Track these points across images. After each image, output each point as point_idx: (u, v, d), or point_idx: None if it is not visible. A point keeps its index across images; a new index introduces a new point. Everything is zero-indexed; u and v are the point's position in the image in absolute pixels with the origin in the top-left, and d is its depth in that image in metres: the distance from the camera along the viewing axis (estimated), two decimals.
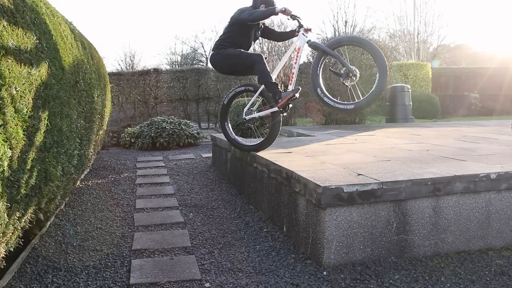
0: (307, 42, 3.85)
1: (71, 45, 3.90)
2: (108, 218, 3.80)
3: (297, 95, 3.76)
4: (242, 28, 3.97)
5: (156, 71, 13.45)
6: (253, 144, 4.14)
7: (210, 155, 6.82)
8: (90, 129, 4.61)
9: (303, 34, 3.88)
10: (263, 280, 2.50)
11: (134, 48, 49.31)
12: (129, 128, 8.98)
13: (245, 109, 4.10)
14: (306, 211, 2.87)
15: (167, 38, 46.85)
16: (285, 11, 3.77)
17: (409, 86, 9.13)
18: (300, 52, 3.88)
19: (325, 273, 2.55)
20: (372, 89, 3.65)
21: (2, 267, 2.35)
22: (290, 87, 3.83)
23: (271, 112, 3.91)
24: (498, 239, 2.93)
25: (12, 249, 2.40)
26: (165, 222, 3.64)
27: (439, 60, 25.39)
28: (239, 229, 3.45)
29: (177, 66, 28.22)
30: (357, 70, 3.67)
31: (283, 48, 9.25)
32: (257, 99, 4.05)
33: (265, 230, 3.38)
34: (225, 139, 4.35)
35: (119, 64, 28.40)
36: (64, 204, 4.11)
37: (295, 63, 3.87)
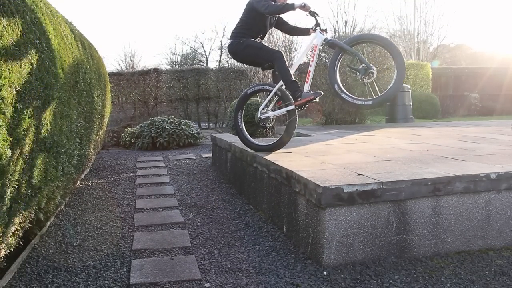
0: (324, 40, 3.83)
1: (71, 45, 3.90)
2: (108, 218, 3.80)
3: (317, 99, 3.74)
4: (259, 16, 3.93)
5: (156, 71, 13.45)
6: (268, 144, 4.08)
7: (210, 155, 6.82)
8: (90, 129, 4.61)
9: (320, 32, 3.85)
10: (263, 280, 2.50)
11: (134, 48, 49.39)
12: (129, 128, 8.99)
13: (260, 109, 4.04)
14: (306, 211, 2.87)
15: (167, 38, 46.88)
16: (304, 7, 3.73)
17: (409, 86, 9.13)
18: (317, 50, 3.86)
19: (325, 273, 2.55)
20: (390, 85, 3.68)
21: (2, 267, 2.35)
22: (306, 86, 3.80)
23: (287, 111, 3.88)
24: (498, 239, 2.93)
25: (12, 249, 2.40)
26: (165, 222, 3.64)
27: (439, 60, 25.40)
28: (239, 229, 3.45)
29: (177, 66, 28.23)
30: (374, 68, 3.66)
31: (283, 48, 9.24)
32: (272, 98, 3.99)
33: (265, 230, 3.38)
34: (240, 140, 4.26)
35: (119, 64, 28.42)
36: (64, 204, 4.11)
37: (312, 61, 3.85)
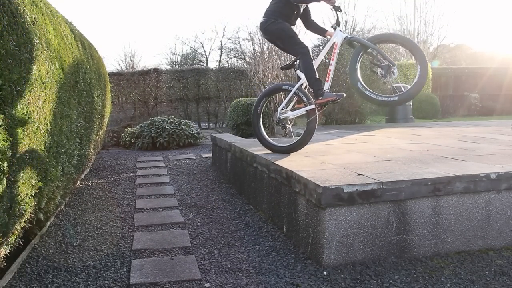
0: (345, 38, 3.81)
1: (71, 45, 3.90)
2: (108, 218, 3.80)
3: (338, 101, 3.71)
4: (289, 3, 3.86)
5: (156, 71, 13.45)
6: (286, 145, 4.01)
7: (210, 155, 6.82)
8: (90, 129, 4.62)
9: (340, 30, 3.82)
10: (263, 280, 2.50)
11: (134, 48, 49.40)
12: (129, 128, 8.99)
13: (279, 108, 3.97)
14: (306, 211, 2.87)
15: (167, 38, 46.91)
16: (329, 0, 3.69)
17: (409, 86, 9.12)
18: (338, 48, 3.81)
19: (325, 273, 2.55)
20: (415, 80, 3.68)
21: (2, 267, 2.35)
22: (327, 85, 3.77)
23: (306, 110, 3.83)
24: (498, 239, 2.93)
25: (11, 249, 2.40)
26: (165, 222, 3.64)
27: (439, 60, 25.38)
28: (239, 229, 3.45)
29: (177, 66, 28.24)
30: (395, 65, 3.67)
31: None
32: (291, 98, 3.93)
33: (265, 230, 3.38)
34: (258, 141, 4.17)
35: (119, 64, 28.42)
36: (64, 204, 4.11)
37: (332, 59, 3.81)
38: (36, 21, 2.64)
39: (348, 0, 12.39)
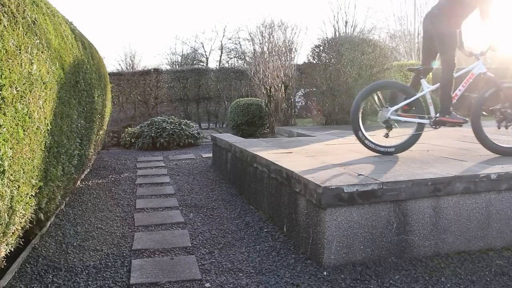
0: (482, 73, 3.73)
1: (72, 45, 3.90)
2: (108, 218, 3.80)
3: (462, 126, 3.68)
4: (468, 11, 3.68)
5: (157, 71, 13.44)
6: (390, 145, 3.89)
7: (211, 155, 6.82)
8: (90, 129, 4.62)
9: (482, 63, 3.76)
10: (263, 280, 2.50)
11: (134, 48, 49.39)
12: (130, 128, 8.99)
13: (391, 108, 3.81)
14: (306, 211, 2.87)
15: (167, 38, 46.95)
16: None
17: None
18: (471, 79, 3.76)
19: (325, 273, 2.55)
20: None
21: (3, 267, 2.35)
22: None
23: (418, 122, 3.79)
24: (498, 240, 2.93)
25: (12, 249, 2.40)
26: (165, 222, 3.64)
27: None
28: (239, 229, 3.45)
29: (177, 66, 28.24)
30: None
31: (283, 48, 9.24)
32: (409, 104, 3.83)
33: (265, 230, 3.38)
34: (359, 142, 3.94)
35: (119, 64, 28.42)
36: (64, 204, 4.11)
37: (463, 86, 3.76)
38: (37, 21, 2.64)
39: (348, 0, 12.39)
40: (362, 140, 3.87)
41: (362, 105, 3.89)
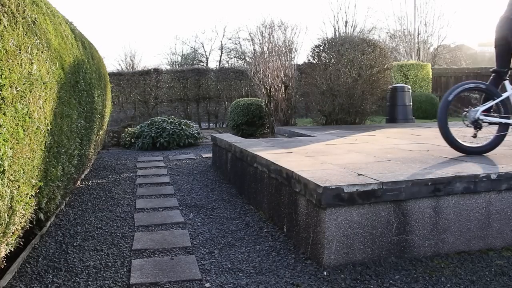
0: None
1: (72, 45, 3.90)
2: (109, 218, 3.80)
3: None
4: None
5: (157, 71, 13.45)
6: (479, 145, 3.80)
7: (211, 155, 6.82)
8: (90, 129, 4.62)
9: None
10: (263, 280, 2.50)
11: (134, 48, 49.48)
12: (129, 128, 8.99)
13: (480, 109, 3.74)
14: (306, 211, 2.87)
15: (167, 38, 46.98)
16: None
17: (409, 87, 9.13)
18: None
19: (325, 273, 2.55)
20: None
21: (3, 267, 2.35)
22: None
23: (505, 123, 3.75)
24: (498, 240, 2.93)
25: (12, 249, 2.40)
26: (165, 222, 3.64)
27: (439, 60, 25.38)
28: (239, 229, 3.45)
29: (177, 66, 28.26)
30: None
31: (283, 48, 9.24)
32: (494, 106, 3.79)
33: (265, 230, 3.38)
34: (446, 143, 3.82)
35: (119, 64, 28.46)
36: (64, 204, 4.11)
37: None
38: (37, 21, 2.64)
39: (348, 0, 12.39)
40: (450, 139, 3.77)
41: (449, 106, 3.83)
